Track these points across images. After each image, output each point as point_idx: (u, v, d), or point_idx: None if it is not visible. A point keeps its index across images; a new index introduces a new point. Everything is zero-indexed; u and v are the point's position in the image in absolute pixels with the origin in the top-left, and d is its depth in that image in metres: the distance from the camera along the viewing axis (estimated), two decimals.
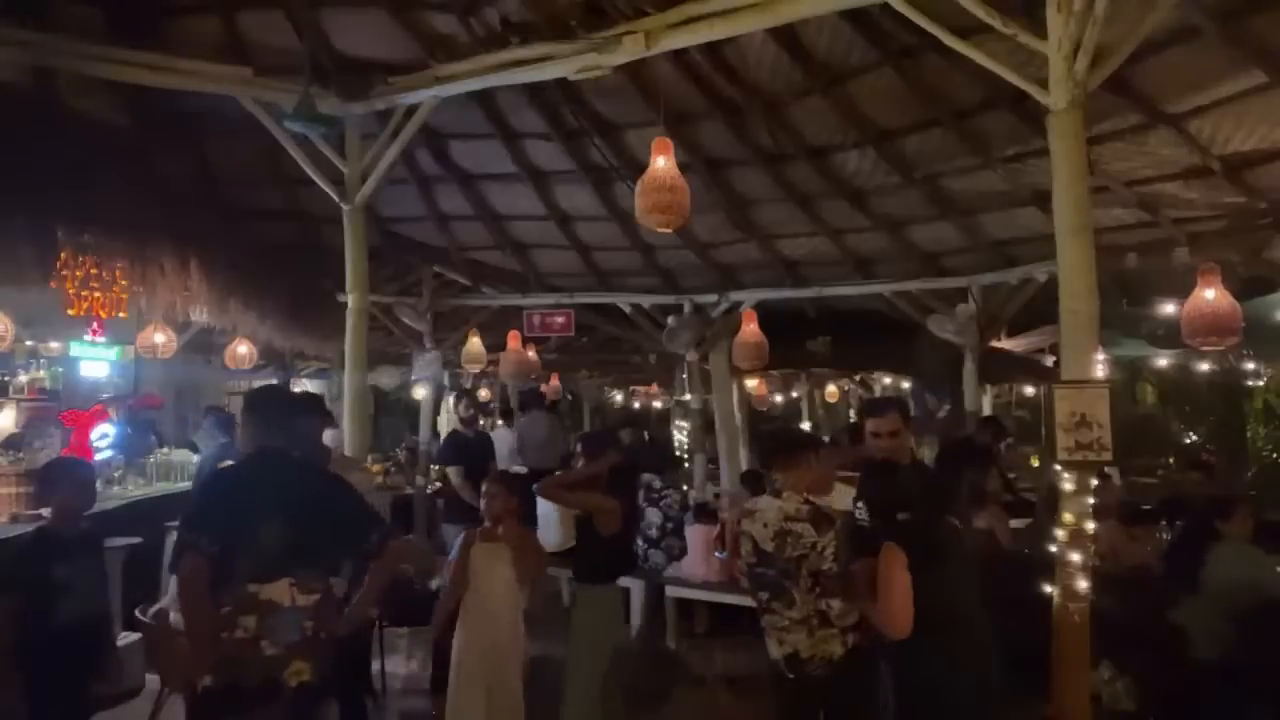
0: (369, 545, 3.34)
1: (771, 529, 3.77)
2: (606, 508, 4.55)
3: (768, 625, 3.87)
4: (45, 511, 3.99)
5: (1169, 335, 8.60)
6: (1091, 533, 3.88)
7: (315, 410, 4.48)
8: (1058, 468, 3.89)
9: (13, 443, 7.53)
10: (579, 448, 5.05)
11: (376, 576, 4.20)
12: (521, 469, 8.96)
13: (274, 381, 11.72)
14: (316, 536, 3.13)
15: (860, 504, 3.66)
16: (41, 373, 9.94)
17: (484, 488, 4.67)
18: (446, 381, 14.34)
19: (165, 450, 9.49)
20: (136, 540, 5.92)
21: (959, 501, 4.28)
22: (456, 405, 7.50)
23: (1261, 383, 10.78)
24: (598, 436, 5.71)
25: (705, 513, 7.20)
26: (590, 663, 4.46)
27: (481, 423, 10.55)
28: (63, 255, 6.76)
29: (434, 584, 5.45)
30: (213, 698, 2.95)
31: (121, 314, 7.85)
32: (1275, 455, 10.13)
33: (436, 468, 11.47)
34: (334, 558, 3.30)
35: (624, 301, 10.71)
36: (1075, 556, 3.76)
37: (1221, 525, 4.97)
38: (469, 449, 8.05)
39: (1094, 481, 3.92)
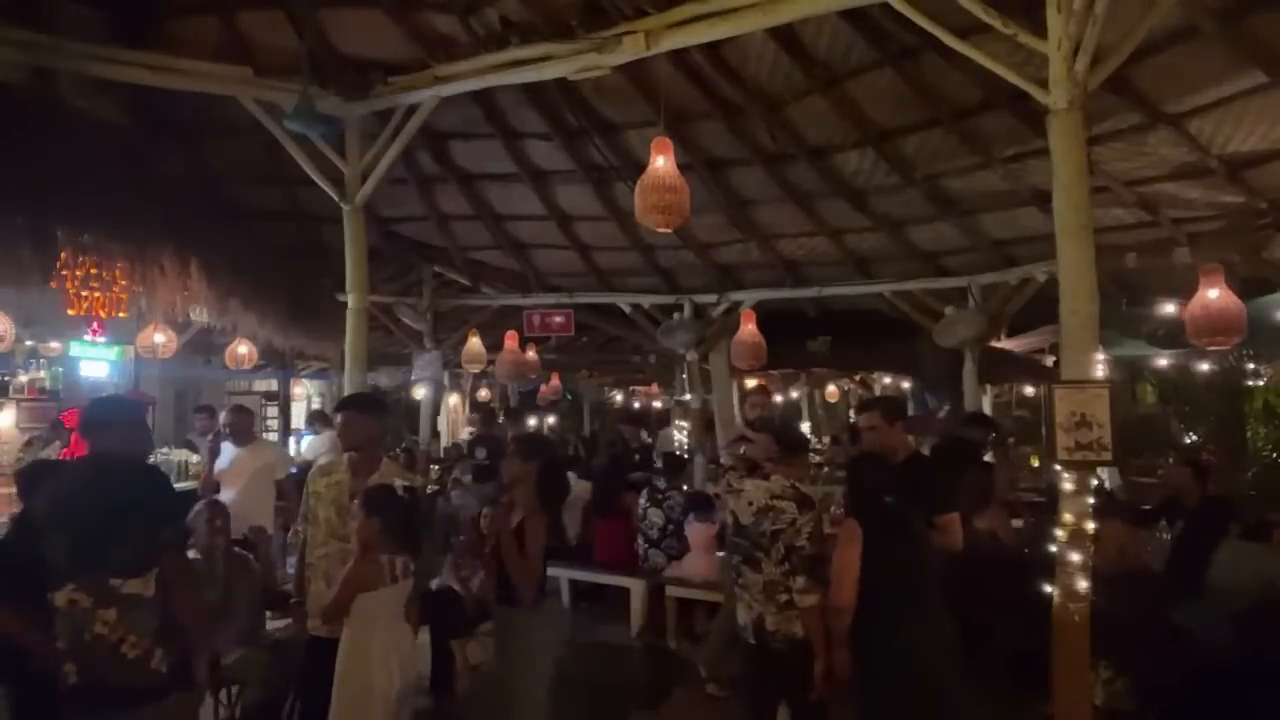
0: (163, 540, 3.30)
1: (755, 505, 4.10)
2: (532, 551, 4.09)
3: (738, 592, 4.18)
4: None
5: (1169, 335, 8.61)
6: (1099, 532, 3.90)
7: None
8: (1057, 467, 3.90)
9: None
10: (512, 449, 4.64)
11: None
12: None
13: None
14: (100, 539, 3.03)
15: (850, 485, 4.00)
16: (41, 373, 9.94)
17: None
18: (446, 381, 14.33)
19: (166, 450, 9.50)
20: None
21: (946, 498, 4.31)
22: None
23: (1261, 383, 10.78)
24: (531, 440, 5.16)
25: (703, 505, 7.12)
26: (524, 689, 4.06)
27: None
28: (63, 255, 6.76)
29: (434, 584, 5.44)
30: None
31: (121, 314, 7.86)
32: (1275, 455, 10.11)
33: (436, 469, 11.46)
34: (119, 557, 3.07)
35: (624, 301, 10.72)
36: (1075, 556, 3.77)
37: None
38: None
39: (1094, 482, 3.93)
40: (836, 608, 3.76)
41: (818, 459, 11.23)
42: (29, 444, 8.67)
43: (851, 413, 19.36)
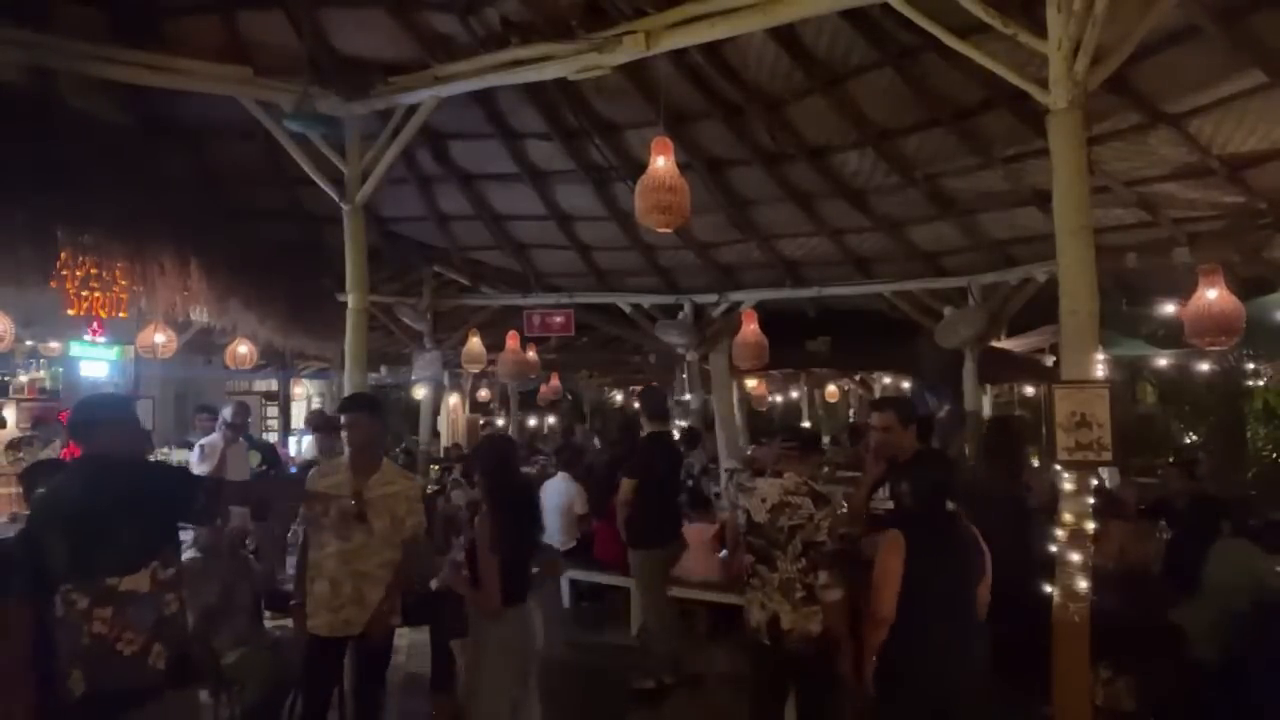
0: (193, 512, 3.43)
1: (770, 503, 4.08)
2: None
3: (751, 591, 4.13)
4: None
5: (1169, 335, 8.61)
6: (1101, 531, 3.89)
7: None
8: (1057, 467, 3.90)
9: (19, 443, 7.54)
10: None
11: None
12: None
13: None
14: (94, 539, 3.01)
15: (903, 488, 3.68)
16: (41, 373, 9.94)
17: None
18: (446, 381, 14.33)
19: (166, 450, 9.49)
20: None
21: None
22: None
23: (1261, 383, 10.79)
24: (481, 447, 5.16)
25: (703, 505, 7.17)
26: (477, 700, 4.01)
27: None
28: (63, 255, 6.76)
29: (434, 584, 5.43)
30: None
31: (121, 314, 7.87)
32: (1275, 455, 10.12)
33: (435, 469, 11.47)
34: (115, 555, 3.04)
35: (624, 301, 10.73)
36: (1075, 556, 3.76)
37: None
38: None
39: (1096, 481, 3.92)
40: (875, 620, 3.54)
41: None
42: (28, 443, 8.66)
43: (851, 413, 19.40)
